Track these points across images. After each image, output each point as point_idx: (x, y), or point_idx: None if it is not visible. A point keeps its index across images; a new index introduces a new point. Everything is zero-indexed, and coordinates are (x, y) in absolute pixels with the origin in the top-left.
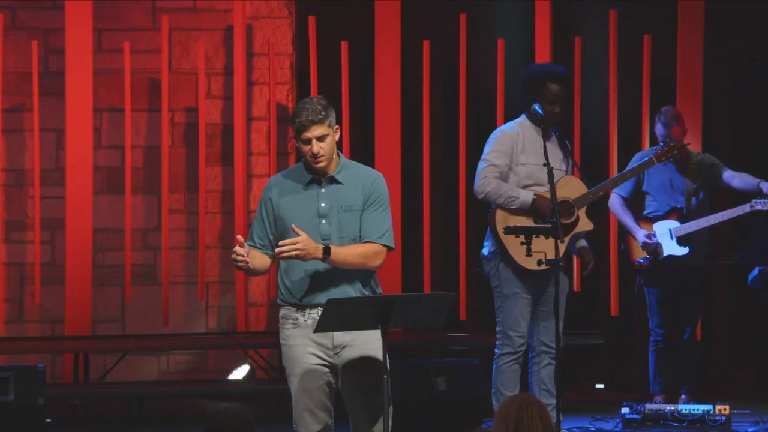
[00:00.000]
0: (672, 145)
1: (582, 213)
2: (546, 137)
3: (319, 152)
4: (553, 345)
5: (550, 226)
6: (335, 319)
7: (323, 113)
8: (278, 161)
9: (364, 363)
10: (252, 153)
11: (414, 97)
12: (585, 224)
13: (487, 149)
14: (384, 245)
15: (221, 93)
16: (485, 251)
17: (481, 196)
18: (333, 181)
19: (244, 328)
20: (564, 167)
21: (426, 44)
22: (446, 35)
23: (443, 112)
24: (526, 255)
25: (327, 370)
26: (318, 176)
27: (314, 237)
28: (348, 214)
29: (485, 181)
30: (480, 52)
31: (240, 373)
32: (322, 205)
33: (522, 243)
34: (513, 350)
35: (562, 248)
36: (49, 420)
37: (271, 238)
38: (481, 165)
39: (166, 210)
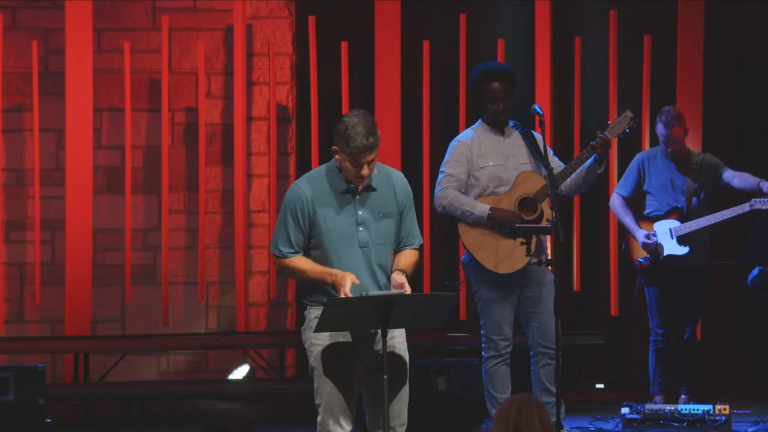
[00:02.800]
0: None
1: (545, 206)
2: (506, 135)
3: (367, 175)
4: (550, 344)
5: (549, 226)
6: (336, 319)
7: (375, 136)
8: (278, 161)
9: (395, 358)
10: (252, 153)
11: (414, 97)
12: (546, 213)
13: (444, 160)
14: (419, 246)
15: (221, 93)
16: (464, 258)
17: (440, 209)
18: (368, 188)
19: (244, 328)
20: (530, 160)
21: (426, 44)
22: (446, 35)
23: (443, 112)
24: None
25: (359, 369)
26: (351, 184)
27: (352, 244)
28: (385, 221)
29: (442, 193)
30: (480, 52)
31: (240, 373)
32: (360, 213)
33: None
34: (497, 353)
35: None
36: (49, 420)
37: (305, 242)
38: (439, 176)
39: (166, 210)
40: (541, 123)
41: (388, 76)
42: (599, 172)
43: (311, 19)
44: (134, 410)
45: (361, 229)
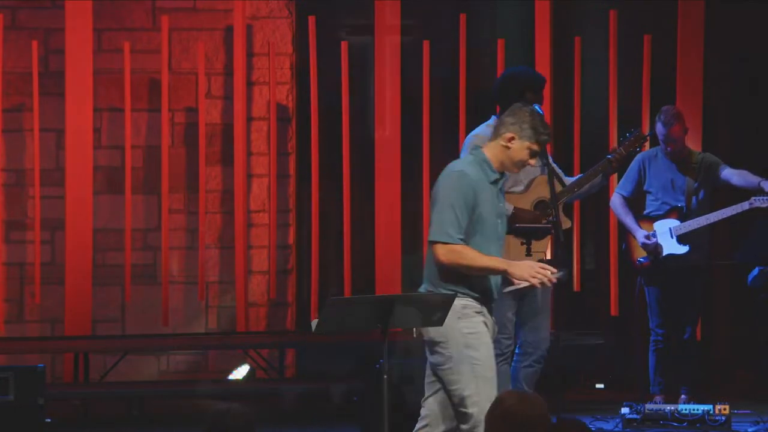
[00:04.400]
0: (636, 137)
1: (559, 211)
2: None
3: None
4: (540, 347)
5: (549, 226)
6: (337, 318)
7: None
8: (278, 161)
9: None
10: (252, 153)
11: (414, 97)
12: (563, 222)
13: (462, 154)
14: None
15: (221, 93)
16: None
17: None
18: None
19: (244, 328)
20: (539, 163)
21: (426, 44)
22: (446, 35)
23: (443, 112)
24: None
25: None
26: (499, 175)
27: (494, 236)
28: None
29: None
30: (480, 52)
31: (240, 373)
32: (500, 204)
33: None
34: (500, 352)
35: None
36: (49, 420)
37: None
38: None
39: (166, 210)
40: None
41: (388, 76)
42: (604, 184)
43: (311, 19)
44: (134, 410)
45: (499, 221)
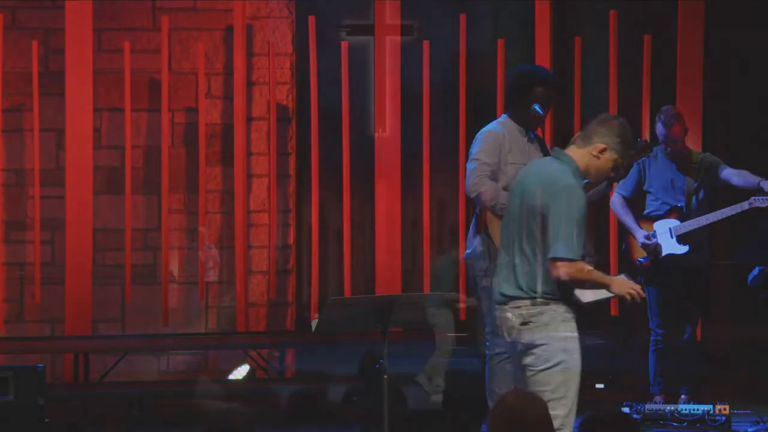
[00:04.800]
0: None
1: None
2: (528, 137)
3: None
4: None
5: None
6: (337, 318)
7: None
8: (278, 161)
9: None
10: (252, 153)
11: (414, 97)
12: None
13: (474, 149)
14: None
15: (221, 93)
16: (471, 251)
17: (473, 195)
18: None
19: (244, 328)
20: None
21: (426, 44)
22: (446, 35)
23: (443, 112)
24: None
25: None
26: (584, 182)
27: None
28: None
29: (479, 180)
30: (480, 52)
31: (240, 373)
32: None
33: None
34: (505, 349)
35: None
36: (48, 420)
37: None
38: (471, 165)
39: (166, 210)
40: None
41: (388, 76)
42: (607, 191)
43: (311, 19)
44: (134, 410)
45: None
